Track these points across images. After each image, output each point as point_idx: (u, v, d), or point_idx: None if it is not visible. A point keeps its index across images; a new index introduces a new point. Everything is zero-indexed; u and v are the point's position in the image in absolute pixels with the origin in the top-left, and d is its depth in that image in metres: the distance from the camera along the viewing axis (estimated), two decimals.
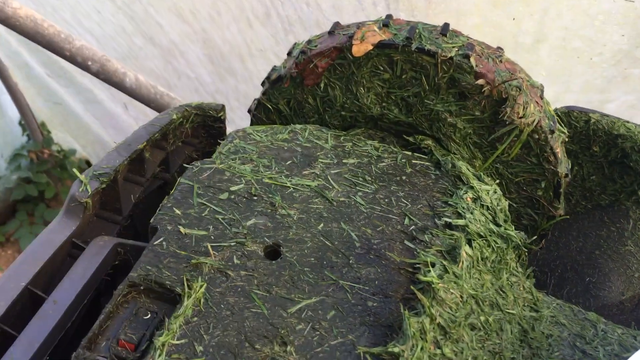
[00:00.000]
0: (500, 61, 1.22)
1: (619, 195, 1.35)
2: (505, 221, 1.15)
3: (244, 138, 1.26)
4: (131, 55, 2.98)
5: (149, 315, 0.97)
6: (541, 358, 1.07)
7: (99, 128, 4.06)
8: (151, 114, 3.35)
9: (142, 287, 0.99)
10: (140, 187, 1.30)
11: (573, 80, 2.00)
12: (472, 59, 1.18)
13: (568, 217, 1.32)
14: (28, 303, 1.05)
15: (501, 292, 1.09)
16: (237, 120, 3.02)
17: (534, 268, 1.23)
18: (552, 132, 1.22)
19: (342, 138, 1.28)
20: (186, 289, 0.97)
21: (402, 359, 0.86)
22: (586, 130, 1.37)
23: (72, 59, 1.80)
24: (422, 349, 0.89)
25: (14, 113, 4.22)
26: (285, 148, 1.24)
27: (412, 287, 0.96)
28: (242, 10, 2.31)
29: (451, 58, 1.19)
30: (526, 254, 1.19)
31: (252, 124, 1.49)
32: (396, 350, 0.86)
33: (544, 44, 1.94)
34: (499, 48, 1.26)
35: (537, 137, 1.21)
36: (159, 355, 0.88)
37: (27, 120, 4.18)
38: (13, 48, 3.69)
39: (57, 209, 4.45)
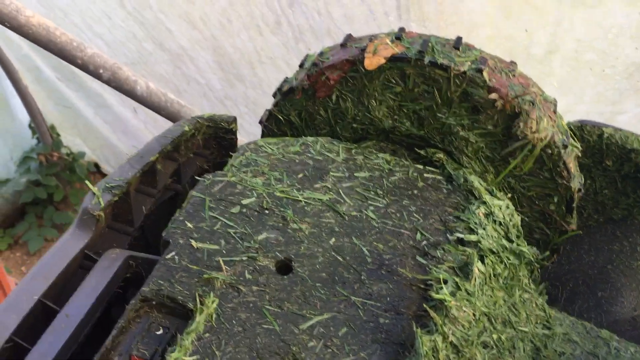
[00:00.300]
0: (514, 75, 1.21)
1: (632, 209, 1.34)
2: (517, 237, 1.15)
3: (256, 150, 1.26)
4: (141, 61, 3.00)
5: (161, 331, 0.97)
6: None
7: (108, 132, 4.08)
8: (160, 119, 3.37)
9: (154, 302, 0.99)
10: (151, 198, 1.30)
11: (585, 91, 1.99)
12: (485, 73, 1.18)
13: (581, 232, 1.32)
14: (41, 316, 1.05)
15: (514, 310, 1.09)
16: (246, 125, 3.02)
17: (545, 282, 1.22)
18: (565, 146, 1.21)
19: (353, 151, 1.28)
20: (198, 305, 0.97)
21: None
22: (599, 145, 1.36)
23: (84, 67, 1.81)
24: None
25: (24, 116, 4.24)
26: (297, 161, 1.24)
27: (424, 305, 0.96)
28: (252, 18, 2.31)
29: (464, 72, 1.18)
30: (539, 269, 1.18)
31: (263, 134, 1.49)
32: None
33: (556, 56, 1.93)
34: (512, 62, 1.26)
35: (550, 151, 1.21)
36: None
37: (37, 123, 4.20)
38: (24, 52, 3.72)
39: (65, 211, 4.48)
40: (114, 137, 4.06)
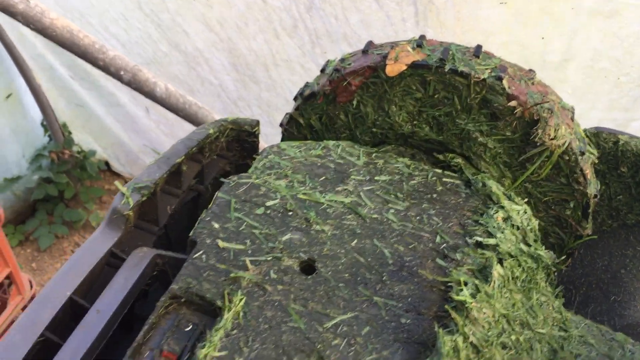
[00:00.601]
0: (533, 83, 1.24)
1: None
2: (535, 241, 1.17)
3: (279, 153, 1.29)
4: (156, 61, 3.03)
5: (190, 327, 1.01)
6: None
7: (120, 130, 4.11)
8: (172, 118, 3.40)
9: (183, 299, 1.02)
10: (176, 198, 1.33)
11: (599, 98, 2.02)
12: (504, 81, 1.20)
13: (595, 237, 1.34)
14: (71, 312, 1.08)
15: (531, 312, 1.11)
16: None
17: (559, 286, 1.25)
18: (583, 153, 1.24)
19: (373, 155, 1.30)
20: (226, 302, 1.00)
21: None
22: (614, 151, 1.38)
23: (105, 68, 1.85)
24: None
25: (36, 114, 4.28)
26: (319, 164, 1.27)
27: (446, 306, 0.99)
28: (270, 22, 2.34)
29: (484, 80, 1.21)
30: (555, 273, 1.21)
31: (283, 137, 1.52)
32: None
33: (572, 63, 1.95)
34: (530, 70, 1.28)
35: (567, 158, 1.23)
36: None
37: (49, 121, 4.25)
38: (38, 50, 3.76)
39: (76, 209, 4.52)
40: (125, 136, 4.10)
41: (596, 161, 1.29)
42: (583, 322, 1.19)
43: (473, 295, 1.00)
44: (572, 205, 1.29)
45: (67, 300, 1.08)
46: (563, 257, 1.32)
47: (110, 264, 1.19)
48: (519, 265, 1.11)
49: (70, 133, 4.51)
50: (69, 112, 4.30)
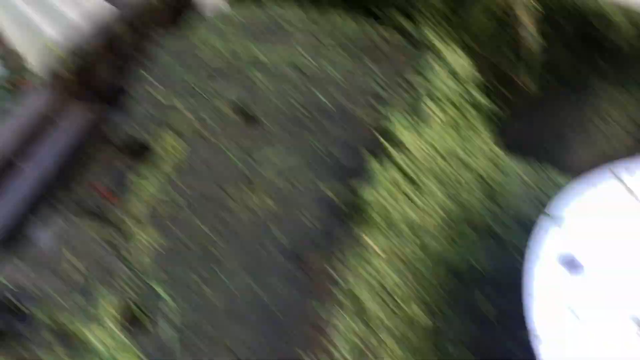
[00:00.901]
0: None
1: (589, 74, 1.37)
2: (474, 88, 1.18)
3: (215, 12, 1.27)
4: None
5: (125, 169, 1.00)
6: (507, 213, 1.13)
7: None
8: None
9: (117, 144, 1.02)
10: (115, 68, 1.30)
11: None
12: None
13: (540, 95, 1.34)
14: (7, 170, 1.07)
15: (468, 151, 1.13)
16: None
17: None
18: (525, 5, 1.23)
19: (312, 11, 1.28)
20: (162, 145, 1.00)
21: (364, 200, 0.90)
22: (560, 10, 1.37)
23: None
24: (384, 189, 0.93)
25: None
26: (255, 19, 1.25)
27: (378, 137, 1.00)
28: None
29: None
30: (497, 125, 1.23)
31: None
32: (358, 187, 0.91)
33: None
34: None
35: (510, 11, 1.22)
36: (139, 201, 0.92)
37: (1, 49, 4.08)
38: None
39: None
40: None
41: (540, 16, 1.28)
42: (518, 161, 1.22)
43: (406, 129, 1.01)
44: (516, 63, 1.29)
45: (3, 159, 1.07)
46: (506, 114, 1.33)
47: (49, 127, 1.16)
48: (455, 106, 1.12)
49: (24, 60, 4.35)
50: (20, 37, 4.13)
